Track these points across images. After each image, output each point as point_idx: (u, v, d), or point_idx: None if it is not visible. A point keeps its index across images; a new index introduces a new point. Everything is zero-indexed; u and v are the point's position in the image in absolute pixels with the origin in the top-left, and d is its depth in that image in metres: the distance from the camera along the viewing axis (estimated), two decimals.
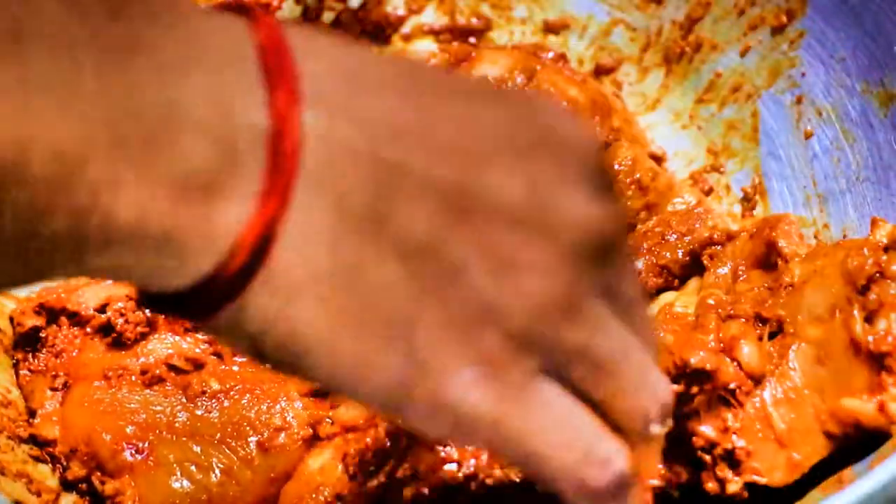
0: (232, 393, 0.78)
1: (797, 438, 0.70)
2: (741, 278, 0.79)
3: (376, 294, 0.50)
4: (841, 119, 0.87)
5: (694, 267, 0.82)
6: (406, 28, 1.01)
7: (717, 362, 0.70)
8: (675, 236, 0.83)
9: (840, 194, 0.86)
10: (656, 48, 0.97)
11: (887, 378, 0.66)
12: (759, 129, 0.92)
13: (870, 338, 0.67)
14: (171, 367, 0.78)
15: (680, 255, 0.83)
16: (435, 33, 1.01)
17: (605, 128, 0.89)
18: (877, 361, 0.67)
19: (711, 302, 0.75)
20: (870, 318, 0.68)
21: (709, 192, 0.93)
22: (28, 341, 0.81)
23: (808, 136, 0.88)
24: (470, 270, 0.51)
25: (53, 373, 0.80)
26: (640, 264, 0.83)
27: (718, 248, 0.81)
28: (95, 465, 0.76)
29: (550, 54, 0.97)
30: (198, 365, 0.79)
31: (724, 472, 0.70)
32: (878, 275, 0.68)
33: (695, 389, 0.71)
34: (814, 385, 0.70)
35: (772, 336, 0.73)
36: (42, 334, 0.81)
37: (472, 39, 1.01)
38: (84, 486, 0.77)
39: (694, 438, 0.71)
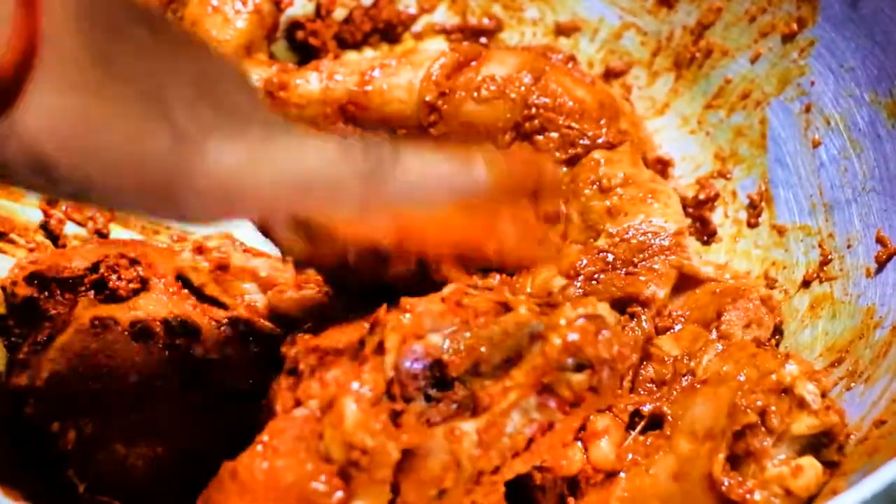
0: None
1: None
2: (674, 329, 0.81)
3: (128, 78, 0.57)
4: (849, 128, 0.86)
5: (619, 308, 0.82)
6: (417, 27, 1.01)
7: (557, 458, 0.72)
8: (623, 269, 0.83)
9: (846, 204, 0.86)
10: (667, 53, 0.97)
11: None
12: (767, 136, 0.92)
13: (725, 481, 0.69)
14: (166, 324, 0.78)
15: (610, 300, 0.82)
16: (446, 32, 1.01)
17: (613, 130, 0.89)
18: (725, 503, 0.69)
19: None
20: (735, 462, 0.70)
21: (715, 198, 0.93)
22: (25, 313, 0.81)
23: (815, 144, 0.88)
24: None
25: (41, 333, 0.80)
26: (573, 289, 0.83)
27: (641, 309, 0.81)
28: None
29: (560, 56, 0.97)
30: (191, 328, 0.79)
31: None
32: (758, 423, 0.69)
33: (537, 476, 0.72)
34: (663, 497, 0.71)
35: (649, 428, 0.74)
36: (43, 305, 0.80)
37: (482, 39, 1.01)
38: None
39: None
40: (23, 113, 0.54)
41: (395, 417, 0.65)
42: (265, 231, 0.69)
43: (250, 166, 0.60)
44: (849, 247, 0.84)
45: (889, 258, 0.81)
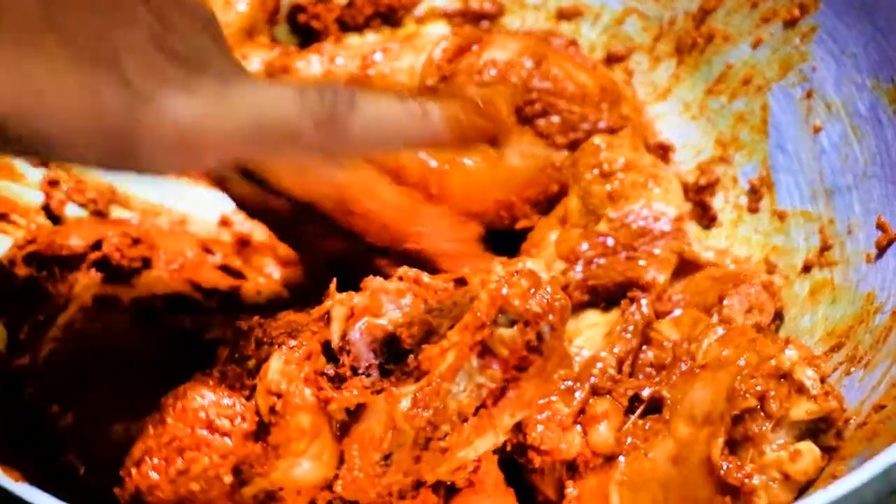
0: None
1: None
2: (674, 314, 0.81)
3: (77, 29, 0.57)
4: (850, 115, 0.86)
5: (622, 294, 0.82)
6: (419, 10, 1.01)
7: (555, 441, 0.72)
8: (623, 253, 0.84)
9: (847, 190, 0.86)
10: (668, 38, 0.97)
11: None
12: (768, 121, 0.92)
13: (724, 465, 0.69)
14: (167, 302, 0.78)
15: (610, 284, 0.82)
16: (448, 16, 1.01)
17: (615, 115, 0.89)
18: (724, 488, 0.69)
19: (594, 380, 0.76)
20: (733, 446, 0.70)
21: (716, 184, 0.93)
22: (25, 293, 0.81)
23: (816, 130, 0.88)
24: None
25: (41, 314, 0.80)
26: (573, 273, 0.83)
27: (641, 293, 0.81)
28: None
29: (561, 41, 0.97)
30: (194, 307, 0.79)
31: None
32: (757, 408, 0.69)
33: (536, 460, 0.72)
34: (661, 481, 0.71)
35: (648, 412, 0.74)
36: (43, 284, 0.80)
37: (484, 24, 1.01)
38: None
39: (537, 493, 0.73)
40: None
41: (339, 382, 0.66)
42: (219, 181, 0.68)
43: (205, 119, 0.60)
44: (849, 232, 0.84)
45: (889, 244, 0.81)
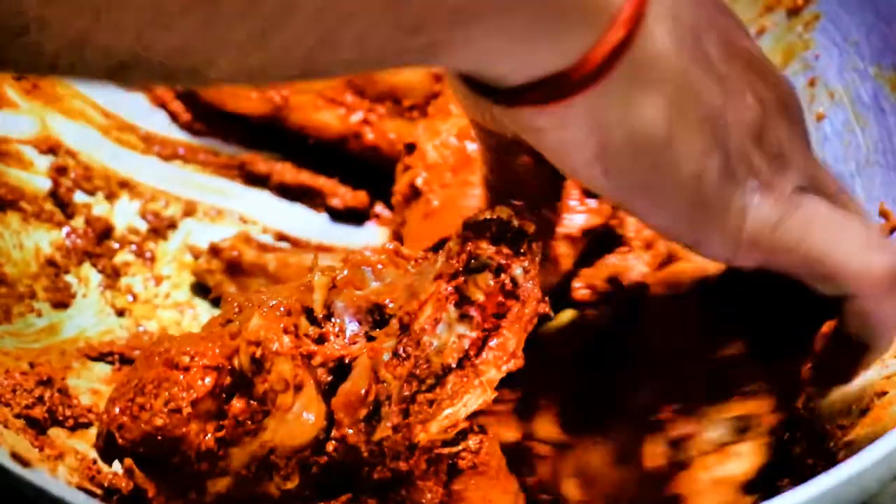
0: None
1: None
2: None
3: (703, 99, 0.55)
4: (853, 102, 0.87)
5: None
6: None
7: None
8: None
9: (850, 177, 0.86)
10: None
11: None
12: None
13: (662, 463, 0.69)
14: None
15: None
16: None
17: None
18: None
19: None
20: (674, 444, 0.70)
21: None
22: None
23: (819, 118, 0.88)
24: (746, 98, 0.58)
25: None
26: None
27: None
28: None
29: None
30: None
31: None
32: None
33: None
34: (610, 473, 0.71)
35: None
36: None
37: None
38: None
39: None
40: (599, 98, 0.53)
41: (322, 343, 0.66)
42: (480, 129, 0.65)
43: (767, 228, 0.59)
44: None
45: (892, 231, 0.81)
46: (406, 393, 0.65)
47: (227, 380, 0.66)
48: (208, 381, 0.65)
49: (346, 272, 0.68)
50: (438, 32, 0.48)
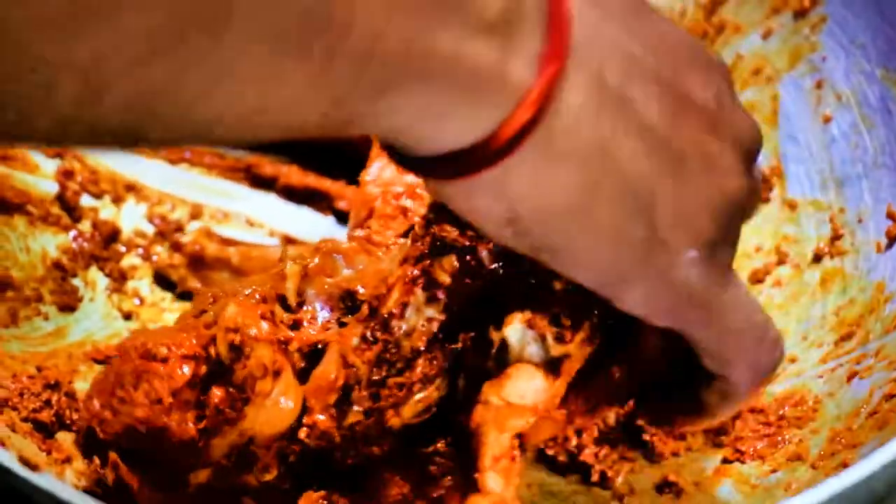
0: None
1: None
2: None
3: (624, 165, 0.54)
4: (860, 104, 0.87)
5: None
6: None
7: None
8: None
9: (857, 179, 0.86)
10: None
11: None
12: (778, 111, 0.92)
13: None
14: None
15: None
16: None
17: None
18: None
19: None
20: None
21: None
22: None
23: (826, 120, 0.88)
24: (689, 163, 0.56)
25: None
26: None
27: None
28: None
29: None
30: None
31: None
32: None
33: None
34: None
35: None
36: None
37: None
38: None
39: None
40: (508, 172, 0.52)
41: (297, 329, 0.67)
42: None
43: (695, 308, 0.60)
44: (859, 222, 0.85)
45: None
46: (376, 377, 0.66)
47: (204, 368, 0.66)
48: (187, 370, 0.66)
49: (316, 260, 0.69)
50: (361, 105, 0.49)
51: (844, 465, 0.68)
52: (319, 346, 0.66)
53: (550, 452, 0.78)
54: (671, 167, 0.56)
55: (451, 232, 0.65)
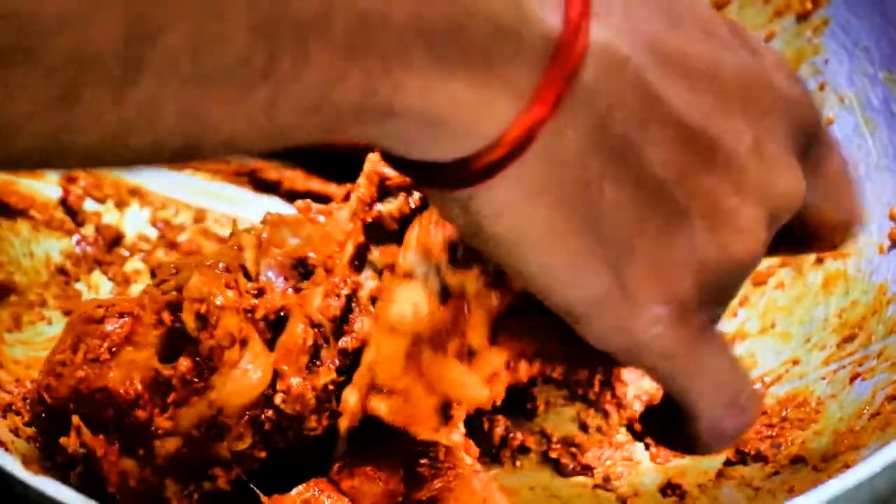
0: None
1: None
2: None
3: (604, 213, 0.52)
4: (862, 107, 0.87)
5: None
6: None
7: None
8: None
9: (859, 181, 0.86)
10: None
11: None
12: None
13: None
14: None
15: None
16: None
17: None
18: None
19: None
20: None
21: None
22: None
23: (829, 122, 0.88)
24: (691, 218, 0.54)
25: None
26: None
27: None
28: None
29: None
30: None
31: None
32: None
33: None
34: None
35: None
36: None
37: None
38: None
39: None
40: (477, 195, 0.51)
41: (261, 296, 0.67)
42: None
43: (661, 360, 0.57)
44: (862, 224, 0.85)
45: None
46: (342, 333, 0.66)
47: (155, 333, 0.66)
48: (124, 325, 0.66)
49: (265, 235, 0.69)
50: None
51: (847, 467, 0.68)
52: (283, 313, 0.67)
53: (554, 455, 0.78)
54: (664, 222, 0.53)
55: (392, 176, 0.66)
